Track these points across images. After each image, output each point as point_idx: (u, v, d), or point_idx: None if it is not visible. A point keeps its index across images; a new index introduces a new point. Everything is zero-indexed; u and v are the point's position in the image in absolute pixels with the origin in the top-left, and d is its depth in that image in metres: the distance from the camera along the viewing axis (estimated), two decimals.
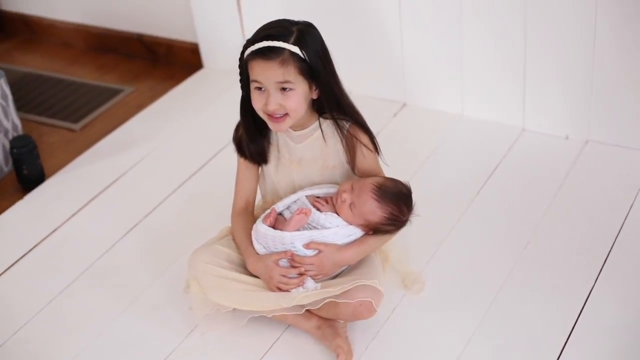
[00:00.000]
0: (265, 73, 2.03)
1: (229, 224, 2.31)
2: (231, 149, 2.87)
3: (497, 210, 2.56)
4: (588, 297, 2.22)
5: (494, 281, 2.30)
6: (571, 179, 2.65)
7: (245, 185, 2.28)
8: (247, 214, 2.27)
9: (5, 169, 2.89)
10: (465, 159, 2.80)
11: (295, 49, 2.02)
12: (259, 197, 2.34)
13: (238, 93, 3.19)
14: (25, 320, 2.33)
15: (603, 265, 2.31)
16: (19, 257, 2.55)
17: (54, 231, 2.64)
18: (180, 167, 2.87)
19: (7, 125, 2.88)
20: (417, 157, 2.81)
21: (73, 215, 2.70)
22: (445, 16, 2.82)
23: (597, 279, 2.27)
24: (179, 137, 3.05)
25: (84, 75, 3.52)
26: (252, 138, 2.19)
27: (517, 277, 2.31)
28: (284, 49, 2.02)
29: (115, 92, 3.36)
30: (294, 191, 2.24)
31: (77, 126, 3.17)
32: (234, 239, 2.25)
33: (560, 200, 2.57)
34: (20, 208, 2.76)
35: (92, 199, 2.76)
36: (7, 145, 2.87)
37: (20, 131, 2.94)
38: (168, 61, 3.54)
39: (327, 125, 2.17)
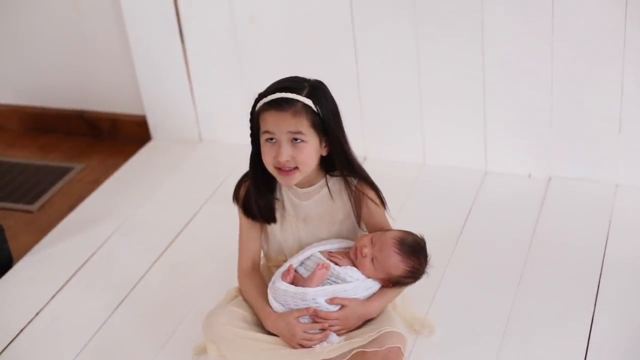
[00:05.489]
0: (277, 123, 2.06)
1: (234, 286, 2.30)
2: (203, 215, 2.93)
3: (482, 251, 2.63)
4: (592, 319, 2.31)
5: (499, 316, 2.36)
6: (545, 214, 2.76)
7: (250, 245, 2.27)
8: (255, 274, 2.26)
9: None
10: (437, 206, 2.87)
11: (309, 102, 2.06)
12: None
13: (193, 162, 3.26)
14: None
15: (598, 289, 2.42)
16: (6, 344, 2.44)
17: (37, 314, 2.54)
18: (154, 239, 2.83)
19: None
20: (389, 209, 2.85)
21: (53, 296, 2.61)
22: (403, 66, 2.91)
23: (595, 302, 2.37)
24: (145, 210, 3.00)
25: (25, 156, 3.44)
26: (261, 194, 2.19)
27: (520, 310, 2.37)
28: (297, 100, 2.05)
29: (65, 170, 3.29)
30: (300, 248, 2.24)
31: (33, 207, 3.08)
32: (245, 300, 2.23)
33: (540, 234, 2.67)
34: None
35: (69, 278, 2.68)
36: None
37: None
38: (112, 136, 3.50)
39: (334, 182, 2.20)
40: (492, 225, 2.75)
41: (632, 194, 2.80)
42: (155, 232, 2.86)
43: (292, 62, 3.02)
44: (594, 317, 2.32)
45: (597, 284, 2.44)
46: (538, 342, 2.26)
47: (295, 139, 2.08)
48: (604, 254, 2.55)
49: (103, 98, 3.46)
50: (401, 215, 2.79)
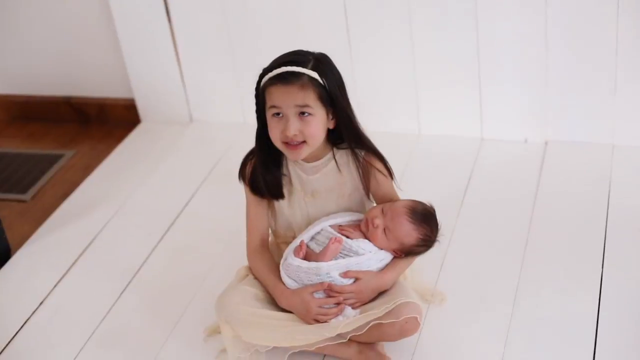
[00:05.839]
0: (284, 97, 2.03)
1: (244, 265, 2.28)
2: (201, 196, 2.90)
3: (485, 219, 2.63)
4: (601, 278, 2.32)
5: (509, 281, 2.36)
6: (544, 178, 2.76)
7: (258, 222, 2.25)
8: (264, 251, 2.24)
9: None
10: (435, 177, 2.86)
11: (314, 75, 2.03)
12: None
13: (186, 143, 3.23)
14: None
15: (604, 248, 2.43)
16: (12, 336, 2.40)
17: (41, 303, 2.50)
18: (153, 222, 2.79)
19: None
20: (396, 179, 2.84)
21: (56, 285, 2.57)
22: (396, 34, 2.89)
23: (603, 261, 2.38)
24: (141, 193, 2.97)
25: (14, 146, 3.38)
26: (268, 170, 2.16)
27: (529, 274, 2.38)
28: (303, 73, 2.03)
29: (56, 158, 3.24)
30: (308, 224, 2.22)
31: (27, 196, 3.03)
32: (257, 278, 2.21)
33: (541, 198, 2.67)
34: None
35: (71, 266, 2.64)
36: None
37: None
38: (101, 120, 3.45)
39: (341, 154, 2.18)
40: (492, 192, 2.74)
41: (629, 154, 2.81)
42: (154, 215, 2.83)
43: (282, 39, 2.98)
44: (603, 276, 2.33)
45: (602, 244, 2.45)
46: (549, 304, 2.26)
47: (303, 113, 2.05)
48: (607, 214, 2.56)
49: (90, 83, 3.40)
50: (401, 186, 2.78)
